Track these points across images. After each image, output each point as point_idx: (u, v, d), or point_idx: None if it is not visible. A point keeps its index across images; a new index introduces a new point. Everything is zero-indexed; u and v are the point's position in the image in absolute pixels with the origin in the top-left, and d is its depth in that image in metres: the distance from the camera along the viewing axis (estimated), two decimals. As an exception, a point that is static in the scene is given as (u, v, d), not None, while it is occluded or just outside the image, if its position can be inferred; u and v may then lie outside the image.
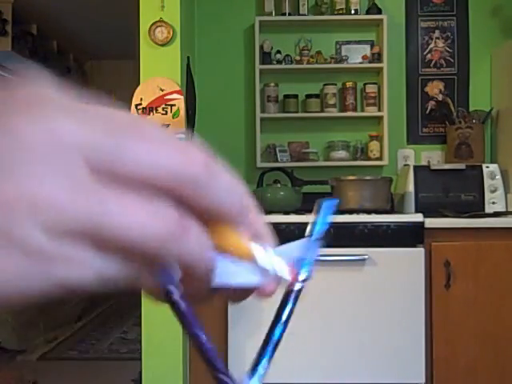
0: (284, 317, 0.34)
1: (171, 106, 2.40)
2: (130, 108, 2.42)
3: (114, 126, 0.22)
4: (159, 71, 2.42)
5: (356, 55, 3.14)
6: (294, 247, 0.32)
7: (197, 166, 0.23)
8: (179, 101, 2.41)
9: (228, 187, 0.26)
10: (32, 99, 0.21)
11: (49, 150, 0.21)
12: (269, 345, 0.33)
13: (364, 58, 3.12)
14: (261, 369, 0.34)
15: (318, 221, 0.34)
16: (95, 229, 0.21)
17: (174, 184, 0.23)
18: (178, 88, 2.42)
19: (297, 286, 0.32)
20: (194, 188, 0.23)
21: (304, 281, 0.31)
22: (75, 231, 0.21)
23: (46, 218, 0.21)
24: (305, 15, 3.09)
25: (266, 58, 3.07)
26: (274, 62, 3.08)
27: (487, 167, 2.77)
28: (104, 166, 0.21)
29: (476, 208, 2.70)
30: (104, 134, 0.21)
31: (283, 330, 0.34)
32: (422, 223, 2.48)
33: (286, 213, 2.62)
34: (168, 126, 2.39)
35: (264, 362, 0.34)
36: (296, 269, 0.31)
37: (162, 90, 2.41)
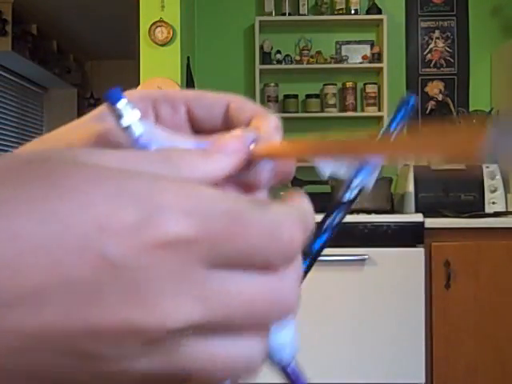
0: (328, 224, 0.31)
1: (171, 106, 2.40)
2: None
3: (218, 216, 0.20)
4: (159, 71, 2.42)
5: (356, 55, 3.14)
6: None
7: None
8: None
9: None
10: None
11: (168, 261, 0.19)
12: (306, 257, 0.31)
13: (364, 57, 3.12)
14: None
15: (394, 119, 0.32)
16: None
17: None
18: (177, 88, 2.42)
19: (348, 196, 0.31)
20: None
21: (359, 190, 0.30)
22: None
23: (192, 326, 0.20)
24: (305, 15, 3.09)
25: (265, 58, 3.07)
26: (274, 62, 3.08)
27: (487, 167, 2.77)
28: (220, 260, 0.20)
29: (476, 208, 2.70)
30: (216, 230, 0.20)
31: (326, 239, 0.32)
32: (422, 223, 2.48)
33: (286, 213, 2.61)
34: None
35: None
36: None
37: (162, 90, 2.41)
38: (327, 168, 0.27)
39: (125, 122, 0.26)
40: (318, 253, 0.32)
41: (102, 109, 0.30)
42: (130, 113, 0.26)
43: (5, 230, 0.18)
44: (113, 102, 0.26)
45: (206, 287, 0.20)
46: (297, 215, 0.22)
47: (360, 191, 0.30)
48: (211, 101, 0.32)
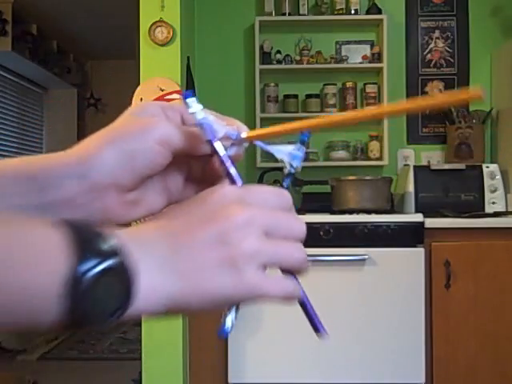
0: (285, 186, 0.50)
1: (171, 106, 2.40)
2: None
3: (272, 212, 0.43)
4: (159, 71, 2.42)
5: (356, 55, 3.14)
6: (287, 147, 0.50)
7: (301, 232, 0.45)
8: (179, 101, 2.41)
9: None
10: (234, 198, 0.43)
11: (249, 228, 0.41)
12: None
13: (364, 58, 3.12)
14: None
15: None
16: (277, 263, 0.43)
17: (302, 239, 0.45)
18: (178, 88, 2.42)
19: (290, 170, 0.49)
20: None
21: (295, 168, 0.49)
22: (268, 265, 0.42)
23: (258, 262, 0.41)
24: (305, 15, 3.09)
25: (266, 57, 3.07)
26: (274, 62, 3.08)
27: (487, 167, 2.77)
28: (272, 233, 0.42)
29: (476, 208, 2.70)
30: (270, 218, 0.42)
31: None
32: (422, 223, 2.48)
33: (286, 213, 2.61)
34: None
35: None
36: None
37: (162, 90, 2.41)
38: (278, 152, 0.49)
39: (191, 110, 0.47)
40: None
41: (140, 106, 0.49)
42: (195, 105, 0.47)
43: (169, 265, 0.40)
44: (185, 97, 0.47)
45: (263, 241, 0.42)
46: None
47: (295, 167, 0.49)
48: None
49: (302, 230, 0.43)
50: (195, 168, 0.50)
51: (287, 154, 0.49)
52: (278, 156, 0.49)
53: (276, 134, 0.48)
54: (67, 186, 0.44)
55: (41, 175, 0.44)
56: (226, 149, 0.47)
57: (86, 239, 0.35)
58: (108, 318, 0.36)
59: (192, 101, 0.46)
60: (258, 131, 0.50)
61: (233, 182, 0.46)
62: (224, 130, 0.47)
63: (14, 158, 0.46)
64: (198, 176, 0.51)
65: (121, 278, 0.36)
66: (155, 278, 0.38)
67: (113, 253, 0.35)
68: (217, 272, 0.40)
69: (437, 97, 0.45)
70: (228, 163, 0.46)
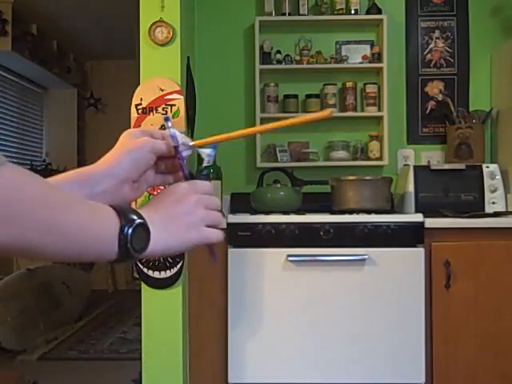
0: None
1: (171, 105, 2.40)
2: (130, 108, 2.41)
3: (207, 195, 0.78)
4: (159, 71, 2.42)
5: (356, 55, 3.14)
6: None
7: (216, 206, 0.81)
8: (179, 101, 2.41)
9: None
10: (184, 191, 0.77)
11: (198, 205, 0.76)
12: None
13: (364, 58, 3.12)
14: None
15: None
16: (213, 223, 0.78)
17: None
18: (178, 88, 2.42)
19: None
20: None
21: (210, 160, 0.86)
22: (208, 223, 0.77)
23: (205, 222, 0.76)
24: (305, 15, 3.09)
25: (266, 58, 3.07)
26: (274, 62, 3.08)
27: (487, 167, 2.77)
28: (208, 206, 0.77)
29: (476, 208, 2.70)
30: (206, 198, 0.78)
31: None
32: (422, 223, 2.48)
33: (286, 213, 2.62)
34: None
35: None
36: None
37: (162, 90, 2.41)
38: (202, 152, 0.84)
39: (169, 125, 0.83)
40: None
41: (131, 131, 0.83)
42: (170, 123, 0.83)
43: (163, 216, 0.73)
44: (166, 119, 0.84)
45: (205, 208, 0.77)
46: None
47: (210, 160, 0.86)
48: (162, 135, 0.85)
49: (219, 204, 0.80)
50: (161, 165, 0.86)
51: (206, 153, 0.85)
52: (201, 154, 0.85)
53: (214, 141, 0.85)
54: (105, 183, 0.78)
55: (90, 178, 0.78)
56: (182, 151, 0.83)
57: (125, 212, 0.67)
58: (137, 254, 0.67)
59: (170, 120, 0.84)
60: (203, 140, 0.85)
61: (184, 173, 0.83)
62: (182, 140, 0.82)
63: (69, 171, 0.79)
64: (162, 169, 0.86)
65: (144, 231, 0.68)
66: (156, 235, 0.70)
67: (139, 217, 0.67)
68: (187, 230, 0.74)
69: (299, 117, 0.84)
70: (183, 162, 0.83)
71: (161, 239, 0.71)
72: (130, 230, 0.65)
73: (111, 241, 0.65)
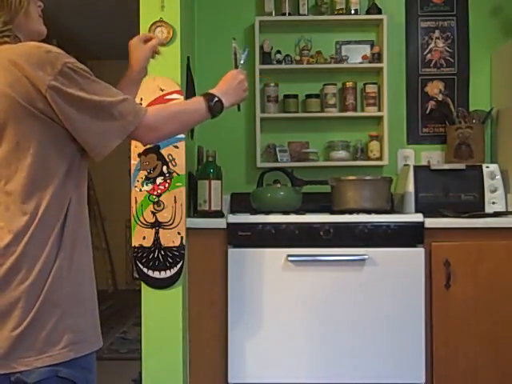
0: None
1: (171, 105, 2.40)
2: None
3: (245, 77, 1.77)
4: (159, 71, 2.42)
5: (356, 55, 3.14)
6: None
7: None
8: (179, 101, 2.41)
9: None
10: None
11: (244, 81, 1.74)
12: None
13: (364, 57, 3.12)
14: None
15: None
16: (247, 90, 1.80)
17: None
18: (178, 88, 2.42)
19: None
20: None
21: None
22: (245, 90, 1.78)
23: (247, 88, 1.76)
24: (305, 15, 3.09)
25: (266, 58, 3.07)
26: (274, 62, 3.08)
27: (487, 167, 2.77)
28: (244, 81, 1.78)
29: (476, 208, 2.70)
30: (245, 78, 1.78)
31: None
32: (422, 223, 2.48)
33: (286, 213, 2.62)
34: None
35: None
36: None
37: (162, 90, 2.41)
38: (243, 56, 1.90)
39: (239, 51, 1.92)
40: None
41: (135, 42, 1.76)
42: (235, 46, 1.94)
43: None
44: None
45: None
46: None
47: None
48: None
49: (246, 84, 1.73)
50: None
51: (243, 56, 1.87)
52: (239, 55, 1.87)
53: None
54: (134, 75, 1.70)
55: (132, 79, 1.70)
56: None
57: (208, 96, 1.55)
58: (220, 112, 1.57)
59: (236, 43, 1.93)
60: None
61: (236, 66, 1.85)
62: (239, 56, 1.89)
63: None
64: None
65: (219, 101, 1.56)
66: (225, 100, 1.59)
67: (216, 97, 1.56)
68: (240, 93, 1.68)
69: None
70: (239, 62, 1.87)
71: (228, 101, 1.60)
72: (212, 103, 1.53)
73: (206, 111, 1.52)
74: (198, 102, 1.53)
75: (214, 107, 1.53)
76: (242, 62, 1.86)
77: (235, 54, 1.88)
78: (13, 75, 1.22)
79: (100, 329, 1.39)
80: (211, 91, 1.57)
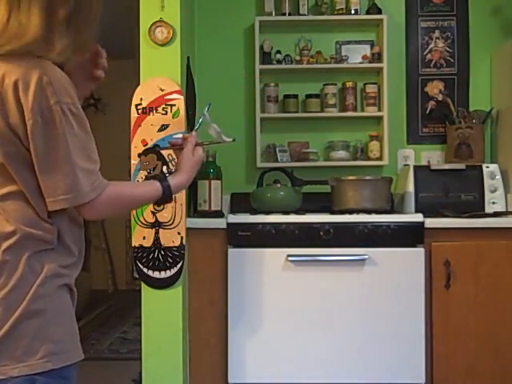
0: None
1: (171, 106, 2.40)
2: (130, 108, 2.42)
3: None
4: (159, 71, 2.41)
5: (356, 55, 3.14)
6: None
7: None
8: (179, 101, 2.41)
9: None
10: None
11: (201, 157, 1.58)
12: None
13: (364, 57, 3.12)
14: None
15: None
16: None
17: None
18: (178, 88, 2.42)
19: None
20: None
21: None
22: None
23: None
24: (305, 15, 3.09)
25: (266, 58, 3.07)
26: (274, 62, 3.08)
27: (487, 167, 2.77)
28: (200, 157, 1.62)
29: (476, 208, 2.70)
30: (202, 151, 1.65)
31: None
32: (422, 223, 2.48)
33: (286, 213, 2.62)
34: (168, 126, 2.39)
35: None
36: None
37: (162, 90, 2.41)
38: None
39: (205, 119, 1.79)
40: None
41: None
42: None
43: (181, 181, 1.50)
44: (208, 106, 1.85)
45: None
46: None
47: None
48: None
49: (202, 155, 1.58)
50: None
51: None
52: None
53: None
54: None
55: None
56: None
57: (162, 180, 1.40)
58: (170, 199, 1.41)
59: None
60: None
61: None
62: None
63: None
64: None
65: (169, 189, 1.40)
66: (178, 182, 1.45)
67: (166, 181, 1.41)
68: (194, 171, 1.52)
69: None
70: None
71: (181, 183, 1.47)
72: (165, 188, 1.40)
73: (158, 194, 1.39)
74: (155, 190, 1.38)
75: (164, 197, 1.40)
76: (197, 126, 1.75)
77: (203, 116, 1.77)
78: None
79: (79, 339, 1.33)
80: (177, 181, 1.45)
